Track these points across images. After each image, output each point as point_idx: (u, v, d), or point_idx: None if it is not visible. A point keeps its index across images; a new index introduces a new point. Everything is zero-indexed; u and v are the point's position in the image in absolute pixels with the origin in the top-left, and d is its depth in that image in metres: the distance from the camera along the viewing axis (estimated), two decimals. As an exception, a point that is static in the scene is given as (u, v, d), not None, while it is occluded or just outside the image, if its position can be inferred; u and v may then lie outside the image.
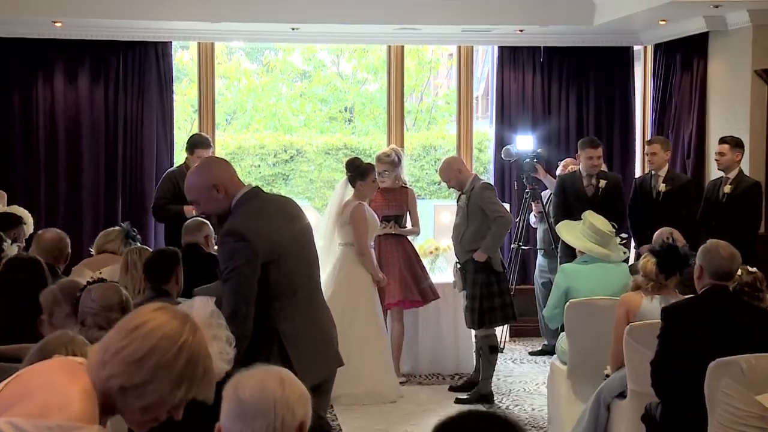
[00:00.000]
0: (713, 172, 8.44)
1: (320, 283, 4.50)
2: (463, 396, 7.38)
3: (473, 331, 7.68)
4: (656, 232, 7.19)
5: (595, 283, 6.26)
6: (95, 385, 2.20)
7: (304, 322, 4.13)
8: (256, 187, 4.15)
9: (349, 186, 7.49)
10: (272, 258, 4.01)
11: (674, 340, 4.53)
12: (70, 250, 5.99)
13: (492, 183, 8.38)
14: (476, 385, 7.40)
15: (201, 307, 2.41)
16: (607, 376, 5.41)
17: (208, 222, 6.26)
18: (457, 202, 7.57)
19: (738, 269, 4.67)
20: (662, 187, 7.97)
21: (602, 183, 7.97)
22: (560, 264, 7.99)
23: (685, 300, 4.83)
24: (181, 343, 2.20)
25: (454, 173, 7.39)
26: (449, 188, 8.23)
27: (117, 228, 6.50)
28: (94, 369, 2.21)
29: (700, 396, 4.28)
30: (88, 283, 4.04)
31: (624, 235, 7.20)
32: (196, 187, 4.08)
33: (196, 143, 8.17)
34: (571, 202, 7.96)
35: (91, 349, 2.27)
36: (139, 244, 6.18)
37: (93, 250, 6.45)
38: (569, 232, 6.68)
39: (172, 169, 8.58)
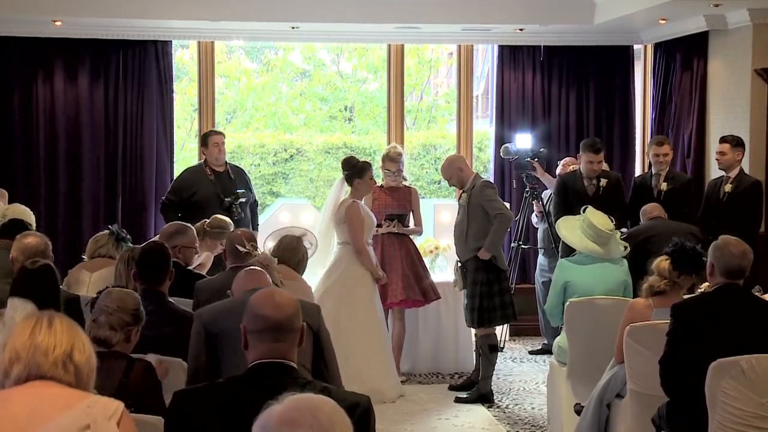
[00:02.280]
0: (713, 172, 8.44)
1: None
2: (463, 395, 7.38)
3: (473, 330, 7.68)
4: (642, 207, 7.27)
5: (593, 279, 6.27)
6: None
7: None
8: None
9: (346, 185, 7.49)
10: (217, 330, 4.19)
11: (684, 339, 4.49)
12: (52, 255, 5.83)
13: (492, 181, 8.37)
14: (476, 384, 7.40)
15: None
16: None
17: (184, 229, 6.26)
18: (459, 200, 7.57)
19: (749, 266, 4.58)
20: (663, 186, 7.96)
21: (603, 182, 7.95)
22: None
23: (696, 297, 4.78)
24: None
25: (455, 171, 7.39)
26: (450, 186, 8.24)
27: (106, 232, 6.34)
28: None
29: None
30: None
31: (624, 230, 7.19)
32: None
33: (206, 135, 8.49)
34: (572, 201, 7.93)
35: None
36: (130, 245, 6.16)
37: (86, 257, 6.24)
38: (568, 229, 6.62)
39: (192, 165, 8.72)
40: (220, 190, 8.16)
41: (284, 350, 2.96)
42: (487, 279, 7.25)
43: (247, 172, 8.85)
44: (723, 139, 7.82)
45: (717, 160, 7.85)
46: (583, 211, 6.56)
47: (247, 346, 2.99)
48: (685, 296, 5.17)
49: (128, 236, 6.40)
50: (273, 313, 2.96)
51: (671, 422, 4.54)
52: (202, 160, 8.43)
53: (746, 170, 8.01)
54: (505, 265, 7.38)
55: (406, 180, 8.08)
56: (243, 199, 8.20)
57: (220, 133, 8.49)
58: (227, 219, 6.95)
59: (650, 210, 7.21)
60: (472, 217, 7.27)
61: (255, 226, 8.47)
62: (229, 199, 8.10)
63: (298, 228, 6.61)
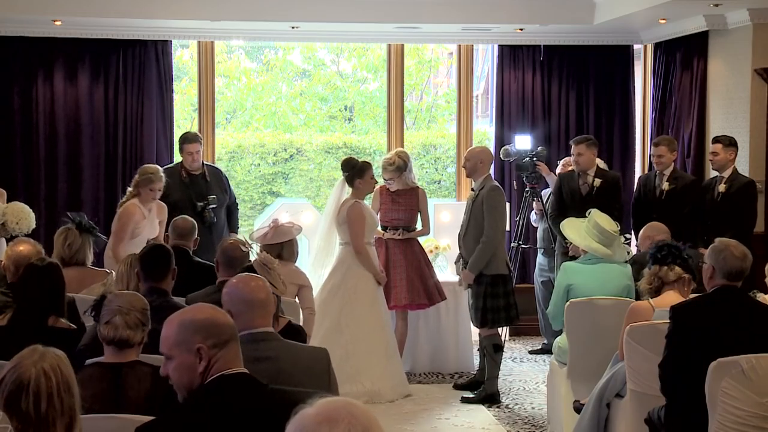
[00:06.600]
0: (713, 171, 8.44)
1: None
2: (470, 395, 7.38)
3: (474, 330, 7.68)
4: (643, 230, 7.17)
5: (596, 282, 6.24)
6: None
7: None
8: None
9: (347, 186, 7.48)
10: None
11: (683, 340, 4.48)
12: None
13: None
14: (481, 385, 7.40)
15: None
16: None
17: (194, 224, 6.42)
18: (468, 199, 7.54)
19: (749, 267, 4.57)
20: (666, 185, 7.97)
21: (597, 182, 7.98)
22: (557, 262, 8.00)
23: (695, 299, 4.76)
24: None
25: (477, 160, 7.34)
26: (463, 167, 8.05)
27: (70, 227, 5.94)
28: None
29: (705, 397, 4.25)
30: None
31: (627, 236, 7.17)
32: None
33: (182, 140, 8.36)
34: (566, 199, 8.02)
35: None
36: (99, 234, 6.15)
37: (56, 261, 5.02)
38: (573, 230, 6.59)
39: (169, 165, 8.61)
40: (194, 194, 8.12)
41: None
42: (491, 279, 7.25)
43: (225, 174, 8.72)
44: (715, 140, 7.84)
45: (710, 160, 7.88)
46: (588, 214, 6.55)
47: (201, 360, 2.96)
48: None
49: (94, 226, 6.12)
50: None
51: (670, 424, 4.54)
52: (180, 161, 8.38)
53: (746, 170, 8.01)
54: (506, 269, 7.29)
55: (415, 183, 7.98)
56: (213, 205, 8.13)
57: (196, 141, 8.28)
58: (191, 219, 6.60)
59: (653, 234, 6.47)
60: (474, 216, 7.27)
61: (234, 229, 8.43)
62: (201, 204, 8.07)
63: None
